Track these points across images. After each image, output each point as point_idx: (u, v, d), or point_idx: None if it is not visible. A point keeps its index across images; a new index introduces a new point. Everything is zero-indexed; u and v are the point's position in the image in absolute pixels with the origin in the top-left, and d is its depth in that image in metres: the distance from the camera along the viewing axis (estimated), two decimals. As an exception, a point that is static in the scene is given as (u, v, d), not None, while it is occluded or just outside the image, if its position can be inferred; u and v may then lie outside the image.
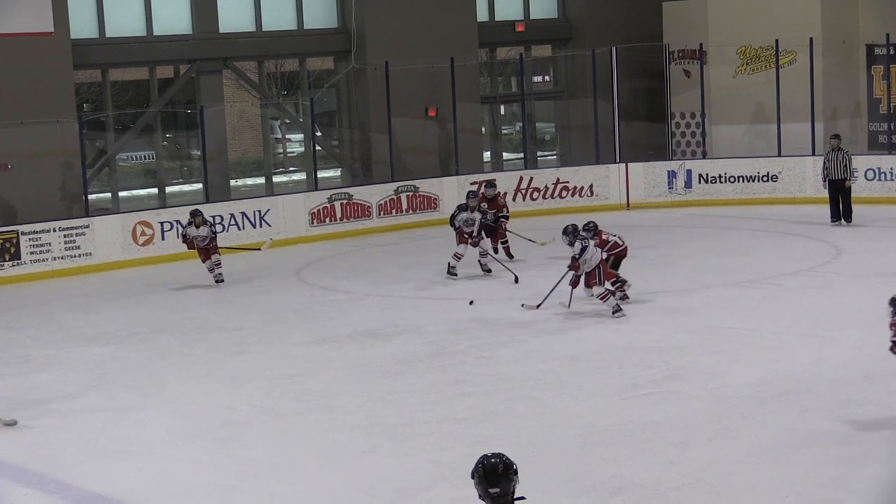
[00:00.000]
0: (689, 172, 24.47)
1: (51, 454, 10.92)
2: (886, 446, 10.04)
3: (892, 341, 10.17)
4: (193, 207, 19.47)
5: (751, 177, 24.10)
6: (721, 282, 16.93)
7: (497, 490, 5.61)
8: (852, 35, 25.54)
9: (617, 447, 10.30)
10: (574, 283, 15.25)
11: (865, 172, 23.16)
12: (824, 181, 21.38)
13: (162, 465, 10.50)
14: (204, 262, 18.63)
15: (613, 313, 14.91)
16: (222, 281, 18.44)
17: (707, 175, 24.41)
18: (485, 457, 5.71)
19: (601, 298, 14.99)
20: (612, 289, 15.17)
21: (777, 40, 24.46)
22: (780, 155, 24.14)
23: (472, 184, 22.46)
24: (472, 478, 5.70)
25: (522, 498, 5.67)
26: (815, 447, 10.11)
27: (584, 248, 14.93)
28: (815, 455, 9.93)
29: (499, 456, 5.70)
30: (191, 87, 24.25)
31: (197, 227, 18.45)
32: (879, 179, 23.19)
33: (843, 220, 21.13)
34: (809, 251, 19.03)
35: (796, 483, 9.30)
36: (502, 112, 29.13)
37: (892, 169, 23.15)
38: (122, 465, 10.58)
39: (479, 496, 5.67)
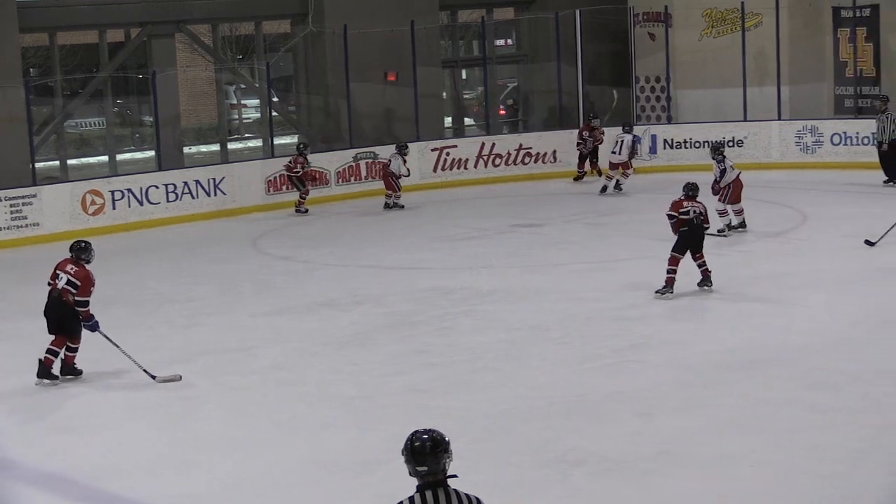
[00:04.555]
0: (653, 137, 24.51)
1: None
2: (853, 415, 10.10)
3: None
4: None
5: (716, 142, 24.08)
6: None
7: (425, 469, 5.48)
8: (819, -4, 25.60)
9: (580, 418, 10.31)
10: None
11: (831, 137, 23.28)
12: (879, 144, 21.52)
13: (115, 441, 10.40)
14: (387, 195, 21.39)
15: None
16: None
17: (672, 140, 24.45)
18: (415, 433, 5.56)
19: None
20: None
21: (743, 2, 24.47)
22: (745, 119, 24.20)
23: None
24: (402, 455, 5.56)
25: (454, 476, 5.55)
26: (783, 416, 10.16)
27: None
28: (783, 424, 9.97)
29: (430, 432, 5.55)
30: (142, 52, 24.03)
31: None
32: (845, 144, 23.29)
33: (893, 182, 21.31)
34: (775, 217, 19.10)
35: (764, 452, 9.32)
36: (464, 76, 29.04)
37: (857, 133, 23.24)
38: (72, 441, 10.48)
39: (409, 473, 5.54)
